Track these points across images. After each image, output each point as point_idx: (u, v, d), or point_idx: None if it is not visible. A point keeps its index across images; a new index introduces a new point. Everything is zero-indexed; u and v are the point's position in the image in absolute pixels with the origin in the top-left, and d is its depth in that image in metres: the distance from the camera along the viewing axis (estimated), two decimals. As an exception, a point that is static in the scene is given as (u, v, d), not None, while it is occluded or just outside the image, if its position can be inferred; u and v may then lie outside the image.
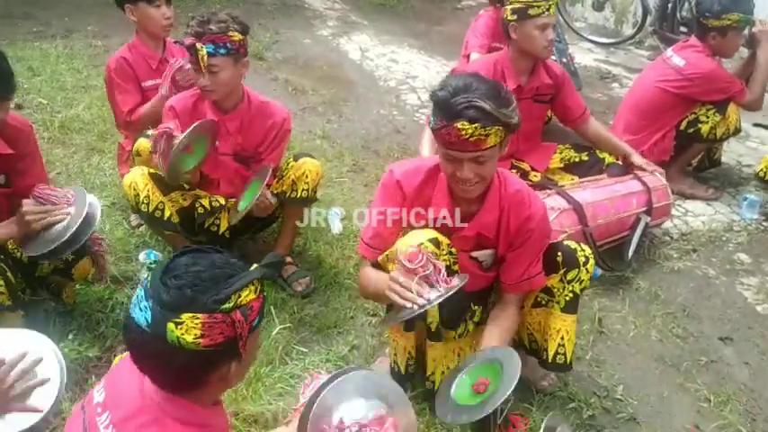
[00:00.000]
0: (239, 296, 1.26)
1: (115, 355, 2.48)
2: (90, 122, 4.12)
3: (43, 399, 1.83)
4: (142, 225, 3.20)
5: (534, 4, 3.11)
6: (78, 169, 3.65)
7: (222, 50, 2.60)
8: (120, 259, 2.94)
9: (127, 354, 1.34)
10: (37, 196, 2.27)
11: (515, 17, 3.14)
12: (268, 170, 2.74)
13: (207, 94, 2.71)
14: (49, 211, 2.27)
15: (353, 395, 1.75)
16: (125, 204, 3.32)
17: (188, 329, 1.21)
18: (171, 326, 1.21)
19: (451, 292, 1.93)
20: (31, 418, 1.81)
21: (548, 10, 3.12)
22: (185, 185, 2.86)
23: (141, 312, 1.24)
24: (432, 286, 1.95)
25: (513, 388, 1.93)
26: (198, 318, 1.21)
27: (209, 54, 2.58)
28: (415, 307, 1.91)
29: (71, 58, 5.07)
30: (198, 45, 2.56)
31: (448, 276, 1.98)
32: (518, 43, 3.20)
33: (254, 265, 1.34)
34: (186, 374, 1.27)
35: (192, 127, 2.60)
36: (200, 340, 1.22)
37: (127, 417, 1.29)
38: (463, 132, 1.90)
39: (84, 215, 2.28)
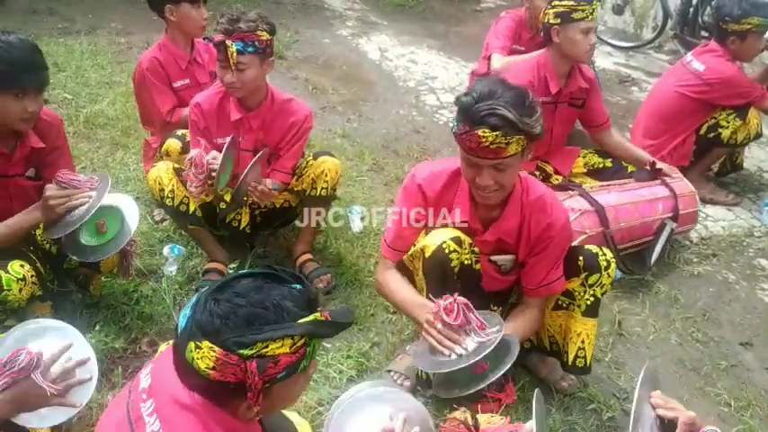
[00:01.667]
0: (266, 346, 1.19)
1: (140, 347, 2.54)
2: (114, 118, 4.17)
3: (78, 395, 1.89)
4: (165, 220, 3.24)
5: (578, 7, 3.10)
6: (103, 164, 3.70)
7: (250, 49, 2.63)
8: (144, 253, 2.98)
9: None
10: (60, 181, 2.30)
11: (559, 21, 3.14)
12: (261, 153, 2.77)
13: (232, 90, 2.75)
14: (72, 194, 2.29)
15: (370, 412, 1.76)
16: (149, 199, 3.36)
17: (203, 357, 1.19)
18: (191, 345, 1.21)
19: (490, 348, 1.94)
20: (64, 415, 1.87)
21: (591, 14, 3.12)
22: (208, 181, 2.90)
23: (183, 318, 1.25)
24: (468, 333, 1.99)
25: (506, 368, 1.96)
26: (215, 351, 1.19)
27: (238, 52, 2.61)
28: (453, 356, 1.95)
29: (95, 54, 5.12)
30: (228, 42, 2.59)
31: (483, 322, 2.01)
32: (560, 47, 3.19)
33: (314, 316, 1.24)
34: (204, 392, 1.26)
35: (223, 152, 2.65)
36: (211, 372, 1.20)
37: (173, 411, 1.28)
38: (483, 140, 1.90)
39: (103, 197, 2.29)
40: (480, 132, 1.90)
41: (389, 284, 2.29)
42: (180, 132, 3.07)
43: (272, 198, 2.81)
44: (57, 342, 1.94)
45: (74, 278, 2.61)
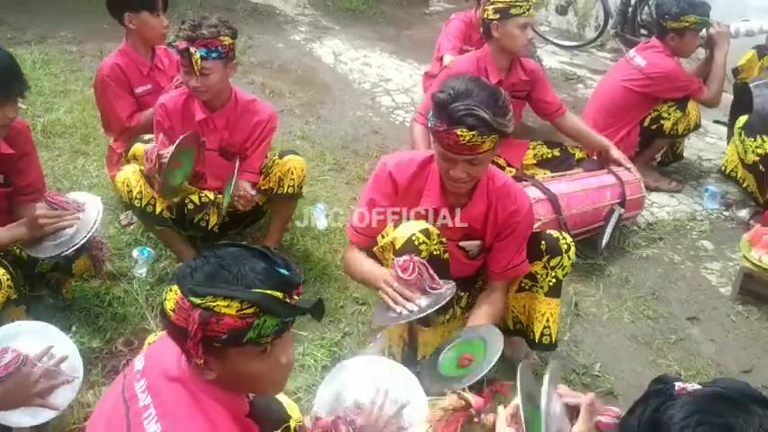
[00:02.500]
0: (213, 301, 1.25)
1: (116, 347, 2.58)
2: (72, 126, 4.15)
3: (61, 396, 1.95)
4: (132, 224, 3.27)
5: (516, 3, 3.30)
6: (64, 171, 3.70)
7: (214, 54, 2.70)
8: (113, 256, 2.99)
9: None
10: (50, 201, 2.35)
11: (498, 16, 3.33)
12: (235, 166, 2.89)
13: (198, 94, 2.81)
14: (62, 215, 2.35)
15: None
16: (114, 204, 3.38)
17: (170, 299, 1.32)
18: (167, 288, 1.34)
19: (441, 303, 2.07)
20: (47, 415, 1.92)
21: (528, 10, 3.33)
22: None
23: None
24: (424, 292, 2.10)
25: (496, 360, 2.07)
26: (176, 294, 1.30)
27: (202, 58, 2.67)
28: (404, 312, 2.06)
29: (47, 63, 5.08)
30: (191, 49, 2.65)
31: (438, 281, 2.12)
32: (499, 41, 3.39)
33: (269, 291, 1.28)
34: (173, 337, 1.36)
35: (175, 144, 2.70)
36: (172, 314, 1.31)
37: (162, 384, 1.37)
38: (461, 138, 2.02)
39: (95, 223, 2.36)
40: (459, 132, 2.01)
41: (355, 261, 2.37)
42: (147, 137, 3.09)
43: (253, 202, 2.94)
44: (39, 342, 1.99)
45: (46, 282, 2.63)
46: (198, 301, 1.26)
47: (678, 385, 0.94)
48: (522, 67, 3.55)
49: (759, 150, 3.50)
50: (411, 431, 1.77)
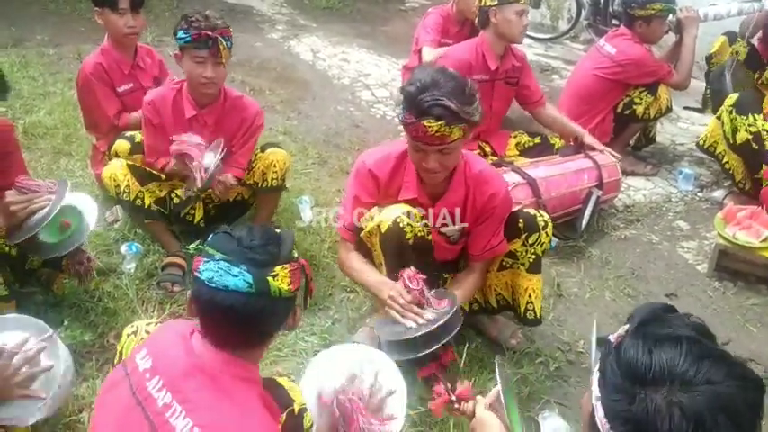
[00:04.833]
0: (295, 249, 1.48)
1: (108, 341, 2.60)
2: (53, 127, 4.15)
3: (45, 385, 1.94)
4: (118, 221, 3.28)
5: None
6: (47, 171, 3.69)
7: (229, 43, 2.78)
8: (101, 253, 3.02)
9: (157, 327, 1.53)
10: (19, 187, 2.35)
11: (495, 2, 3.46)
12: (219, 143, 2.89)
13: (210, 86, 2.82)
14: (32, 199, 2.34)
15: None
16: (100, 203, 3.38)
17: (282, 279, 1.41)
18: (270, 280, 1.39)
19: (445, 318, 2.16)
20: (34, 405, 1.92)
21: None
22: (161, 176, 2.98)
23: (237, 278, 1.37)
24: (422, 306, 2.21)
25: (449, 337, 2.20)
26: (286, 268, 1.42)
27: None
28: (414, 325, 2.17)
29: (25, 66, 5.05)
30: (219, 38, 2.70)
31: (438, 299, 2.25)
32: (497, 27, 3.50)
33: (277, 230, 1.54)
34: (271, 325, 1.47)
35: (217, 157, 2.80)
36: (291, 286, 1.43)
37: (178, 380, 1.38)
38: (429, 129, 2.08)
39: (63, 198, 2.36)
40: (426, 123, 2.07)
41: (354, 266, 2.44)
42: (129, 133, 3.11)
43: (231, 191, 2.95)
44: (17, 334, 1.99)
45: (36, 279, 2.65)
46: (296, 254, 1.48)
47: (611, 338, 1.11)
48: (514, 53, 3.66)
49: (752, 129, 3.49)
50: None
